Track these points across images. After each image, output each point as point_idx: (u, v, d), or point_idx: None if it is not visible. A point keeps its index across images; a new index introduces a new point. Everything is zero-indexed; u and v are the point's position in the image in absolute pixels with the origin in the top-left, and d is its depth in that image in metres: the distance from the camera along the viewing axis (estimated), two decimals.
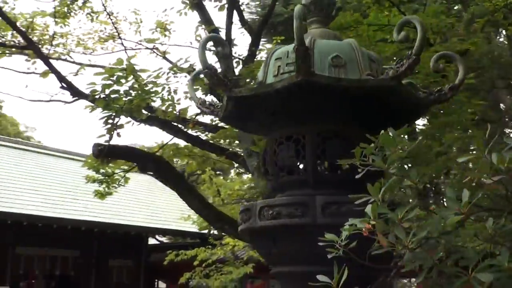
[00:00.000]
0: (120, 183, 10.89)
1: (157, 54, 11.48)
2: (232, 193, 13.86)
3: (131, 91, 6.89)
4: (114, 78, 6.73)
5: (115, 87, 6.82)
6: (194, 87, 8.26)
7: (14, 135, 34.01)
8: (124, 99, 6.90)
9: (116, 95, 6.82)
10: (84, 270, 19.06)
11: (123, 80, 6.78)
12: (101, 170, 10.54)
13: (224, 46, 4.37)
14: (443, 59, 4.72)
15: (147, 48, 11.59)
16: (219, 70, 8.78)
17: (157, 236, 22.80)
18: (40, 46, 10.42)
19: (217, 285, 15.23)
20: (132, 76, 6.78)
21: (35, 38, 10.31)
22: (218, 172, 23.29)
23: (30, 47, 8.71)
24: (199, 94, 9.89)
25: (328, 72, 4.18)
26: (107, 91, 6.80)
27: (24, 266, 18.23)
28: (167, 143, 10.68)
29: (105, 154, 7.25)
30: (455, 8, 14.37)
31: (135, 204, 20.60)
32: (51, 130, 60.47)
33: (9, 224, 16.49)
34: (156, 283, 22.23)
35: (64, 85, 8.82)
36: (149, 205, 21.10)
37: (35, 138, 39.64)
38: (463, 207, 2.44)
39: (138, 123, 8.46)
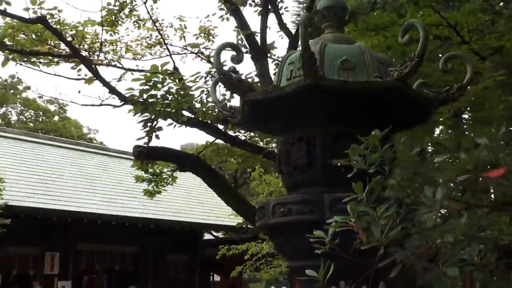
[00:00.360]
0: (167, 181, 11.11)
1: (202, 58, 11.68)
2: (274, 190, 13.92)
3: (167, 95, 7.05)
4: (151, 83, 6.91)
5: (153, 92, 6.98)
6: None
7: (78, 137, 34.88)
8: (161, 103, 7.06)
9: (154, 99, 6.99)
10: (142, 265, 19.40)
11: (159, 85, 6.94)
12: (150, 170, 10.80)
13: (239, 52, 4.49)
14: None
15: (192, 52, 11.78)
16: (255, 72, 8.94)
17: (212, 232, 23.02)
18: (90, 53, 10.72)
19: (268, 278, 15.34)
20: (167, 81, 6.94)
21: (85, 46, 10.61)
22: (271, 169, 23.40)
23: (76, 55, 8.99)
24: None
25: (337, 75, 4.27)
26: (144, 96, 6.98)
27: (85, 262, 18.65)
28: (211, 143, 10.88)
29: (145, 156, 7.45)
30: (501, 4, 14.14)
31: (190, 201, 20.87)
32: (114, 132, 61.84)
33: (70, 222, 16.90)
34: (211, 276, 22.49)
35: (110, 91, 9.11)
36: (203, 202, 21.33)
37: (97, 140, 40.50)
38: (439, 204, 2.51)
39: (180, 125, 8.62)
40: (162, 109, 7.09)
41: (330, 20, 4.82)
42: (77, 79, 9.67)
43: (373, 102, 4.18)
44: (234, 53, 4.48)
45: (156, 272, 19.66)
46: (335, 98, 4.13)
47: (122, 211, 18.03)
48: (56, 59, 9.69)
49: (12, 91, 37.72)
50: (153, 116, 7.18)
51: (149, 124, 7.25)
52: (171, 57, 11.25)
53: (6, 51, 8.59)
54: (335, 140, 4.26)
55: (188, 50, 11.83)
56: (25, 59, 9.32)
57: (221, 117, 8.46)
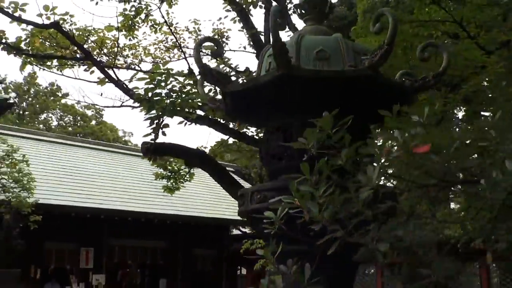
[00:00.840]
0: (185, 178, 11.15)
1: (216, 60, 11.63)
2: None
3: (171, 93, 7.03)
4: (155, 82, 6.89)
5: (157, 90, 6.97)
6: None
7: (113, 139, 35.25)
8: (166, 101, 7.04)
9: (158, 97, 6.97)
10: (172, 259, 19.50)
11: (163, 84, 6.92)
12: (168, 167, 10.84)
13: (219, 46, 4.45)
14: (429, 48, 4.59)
15: (207, 54, 11.75)
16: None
17: (240, 227, 23.00)
18: (110, 57, 10.80)
19: None
20: (170, 79, 6.92)
21: (104, 51, 10.69)
22: None
23: (88, 58, 9.04)
24: None
25: (313, 65, 4.19)
26: (149, 94, 6.97)
27: (118, 256, 18.84)
28: (227, 139, 10.85)
29: (152, 152, 7.43)
30: None
31: (216, 197, 20.87)
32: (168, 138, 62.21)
33: (102, 218, 17.09)
34: (239, 270, 22.49)
35: (125, 91, 9.15)
36: (229, 198, 21.27)
37: (132, 142, 40.85)
38: (374, 182, 2.43)
39: (189, 123, 8.61)
40: (167, 106, 7.07)
41: (310, 13, 4.74)
42: (96, 82, 9.73)
43: (347, 91, 4.09)
44: (214, 47, 4.44)
45: (185, 266, 19.74)
46: (308, 88, 4.05)
47: (151, 208, 18.16)
48: (69, 63, 9.75)
49: (52, 98, 38.34)
50: (160, 113, 7.16)
51: (155, 122, 7.23)
52: (186, 59, 11.25)
53: (23, 56, 8.68)
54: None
55: (203, 52, 11.79)
56: (41, 62, 9.40)
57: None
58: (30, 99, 38.52)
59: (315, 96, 4.13)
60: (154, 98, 6.99)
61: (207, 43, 4.68)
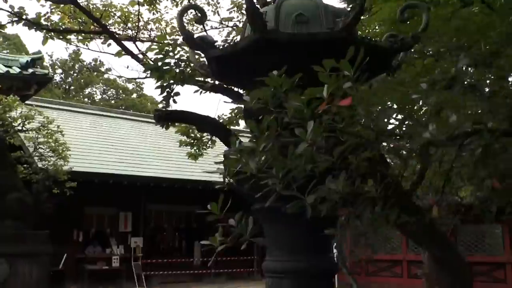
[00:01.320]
0: (208, 145, 11.19)
1: (236, 32, 11.52)
2: None
3: (180, 63, 7.00)
4: (164, 52, 6.87)
5: (166, 60, 6.95)
6: None
7: (153, 112, 35.41)
8: (176, 70, 7.02)
9: (167, 67, 6.95)
10: (205, 223, 19.63)
11: (171, 53, 6.89)
12: (191, 134, 10.87)
13: (202, 14, 4.39)
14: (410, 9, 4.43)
15: (228, 26, 11.68)
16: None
17: None
18: (134, 32, 10.79)
19: None
20: (178, 49, 6.89)
21: (129, 25, 10.69)
22: None
23: (105, 31, 9.04)
24: None
25: (291, 29, 4.11)
26: (159, 64, 6.95)
27: (154, 221, 19.13)
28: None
29: (164, 119, 7.40)
30: None
31: None
32: (187, 106, 62.33)
33: (138, 185, 17.33)
34: None
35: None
36: None
37: None
38: (309, 136, 2.38)
39: (204, 91, 8.56)
40: (176, 75, 7.05)
41: None
42: (113, 54, 9.73)
43: (324, 54, 3.99)
44: (198, 14, 4.38)
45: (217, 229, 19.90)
46: (285, 51, 3.97)
47: (184, 175, 18.31)
48: (89, 37, 9.77)
49: (95, 73, 38.78)
50: (171, 81, 7.15)
51: (166, 90, 7.22)
52: (206, 32, 11.15)
53: (44, 31, 8.74)
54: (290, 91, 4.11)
55: (224, 24, 11.73)
56: (61, 37, 9.45)
57: None
58: (75, 74, 39.06)
59: (292, 60, 4.05)
60: (164, 68, 6.97)
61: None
